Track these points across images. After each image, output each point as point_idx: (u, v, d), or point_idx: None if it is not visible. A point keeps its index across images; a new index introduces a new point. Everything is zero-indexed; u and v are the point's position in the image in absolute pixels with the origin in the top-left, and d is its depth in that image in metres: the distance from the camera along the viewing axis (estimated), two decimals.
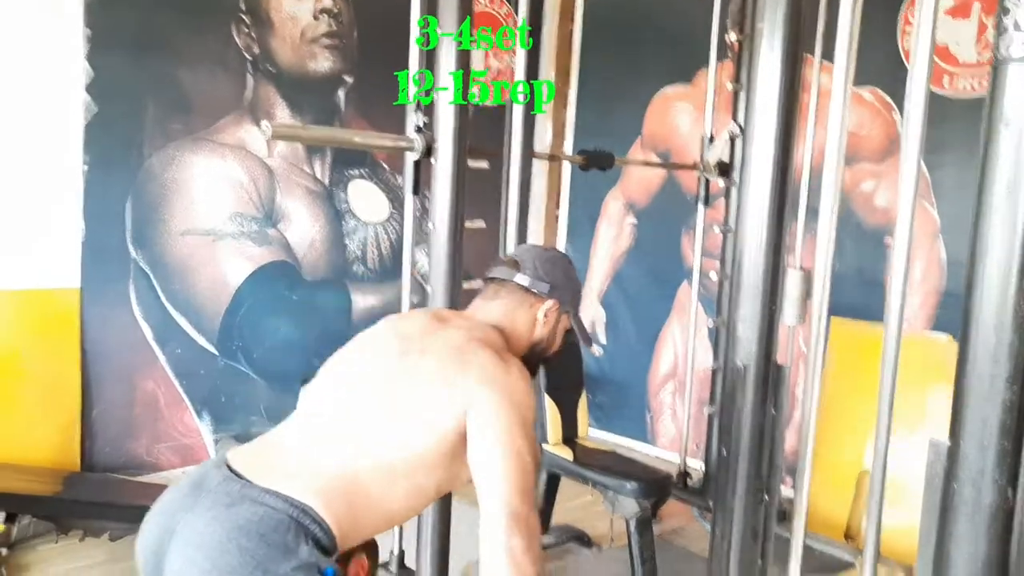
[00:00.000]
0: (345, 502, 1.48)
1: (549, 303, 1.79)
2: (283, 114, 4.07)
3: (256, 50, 3.97)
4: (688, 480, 3.75)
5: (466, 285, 2.72)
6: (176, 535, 1.45)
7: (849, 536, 3.65)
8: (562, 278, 1.82)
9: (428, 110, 2.65)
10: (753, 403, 1.80)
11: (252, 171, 4.03)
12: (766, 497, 1.84)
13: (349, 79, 4.27)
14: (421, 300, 2.86)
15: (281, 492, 1.45)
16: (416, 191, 2.74)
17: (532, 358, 1.81)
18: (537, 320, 1.79)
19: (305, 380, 4.16)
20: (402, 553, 2.87)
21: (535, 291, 1.78)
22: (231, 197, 3.98)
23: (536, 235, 5.01)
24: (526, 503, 1.49)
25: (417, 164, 2.70)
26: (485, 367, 1.59)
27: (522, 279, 1.78)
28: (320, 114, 4.21)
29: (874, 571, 1.60)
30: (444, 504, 2.83)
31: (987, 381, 1.26)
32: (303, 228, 4.23)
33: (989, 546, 1.28)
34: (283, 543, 1.40)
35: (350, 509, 1.49)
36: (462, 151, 2.62)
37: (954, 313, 3.53)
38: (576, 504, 3.94)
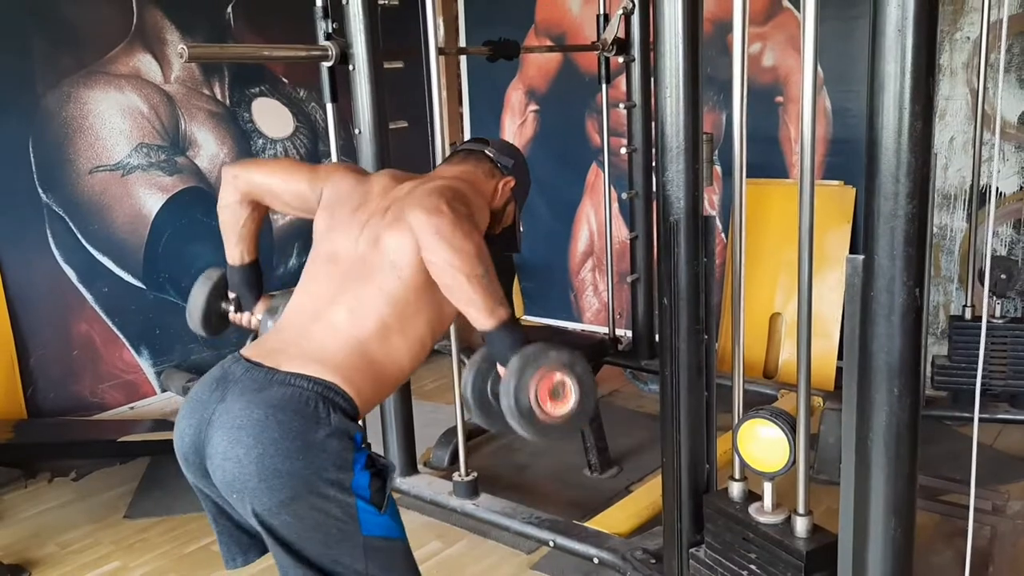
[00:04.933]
0: (360, 373, 1.63)
1: (509, 178, 1.96)
2: (173, 38, 3.97)
3: None
4: (619, 345, 4.01)
5: None
6: (213, 424, 1.57)
7: (768, 374, 4.00)
8: (522, 163, 2.02)
9: (336, 16, 2.69)
10: (687, 253, 1.99)
11: (151, 99, 3.95)
12: (705, 336, 2.06)
13: None
14: None
15: (304, 373, 1.58)
16: (334, 99, 2.79)
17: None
18: (498, 190, 1.94)
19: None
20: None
21: (500, 164, 1.96)
22: (134, 128, 3.91)
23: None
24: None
25: (331, 71, 2.75)
26: (418, 199, 1.65)
27: (490, 151, 1.96)
28: (211, 33, 4.12)
29: (807, 396, 1.83)
30: (405, 401, 3.01)
31: (891, 199, 1.45)
32: (211, 152, 4.19)
33: (903, 340, 1.50)
34: (315, 415, 1.55)
35: (365, 378, 1.64)
36: (378, 53, 2.68)
37: (842, 159, 3.86)
38: None
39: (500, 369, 1.63)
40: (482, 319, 1.59)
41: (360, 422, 1.64)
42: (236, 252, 2.00)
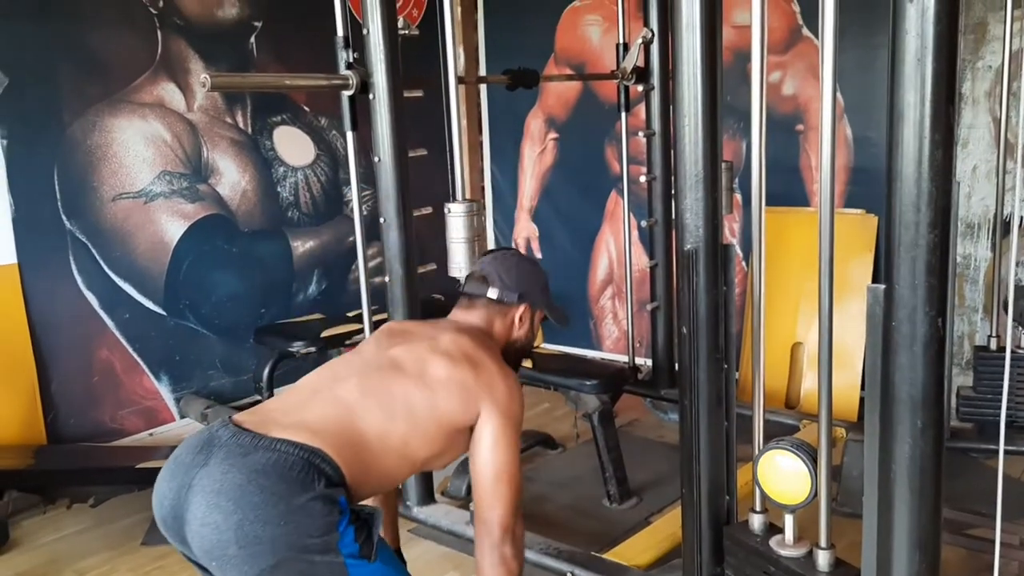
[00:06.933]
0: (351, 450, 1.61)
1: (522, 308, 2.00)
2: (197, 67, 4.02)
3: (161, 3, 3.90)
4: (639, 374, 3.98)
5: (417, 213, 2.83)
6: (193, 488, 1.53)
7: (789, 404, 3.95)
8: (528, 282, 2.03)
9: (357, 45, 2.71)
10: (706, 282, 1.97)
11: (174, 128, 4.00)
12: (725, 365, 2.04)
13: (258, 24, 4.23)
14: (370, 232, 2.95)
15: (292, 439, 1.56)
16: (355, 127, 2.81)
17: (514, 355, 2.03)
18: (514, 324, 2.00)
19: (258, 331, 4.22)
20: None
21: (507, 301, 1.98)
22: (157, 157, 3.95)
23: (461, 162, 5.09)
24: (515, 517, 1.79)
25: (351, 100, 2.77)
26: (495, 381, 1.79)
27: (493, 293, 1.98)
28: (234, 62, 4.17)
29: (829, 427, 1.80)
30: None
31: (912, 228, 1.43)
32: (233, 180, 4.23)
33: (926, 371, 1.48)
34: (300, 479, 1.51)
35: (356, 457, 1.62)
36: (398, 83, 2.70)
37: (863, 188, 3.83)
38: (537, 411, 4.15)
39: None
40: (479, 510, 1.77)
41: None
42: None
